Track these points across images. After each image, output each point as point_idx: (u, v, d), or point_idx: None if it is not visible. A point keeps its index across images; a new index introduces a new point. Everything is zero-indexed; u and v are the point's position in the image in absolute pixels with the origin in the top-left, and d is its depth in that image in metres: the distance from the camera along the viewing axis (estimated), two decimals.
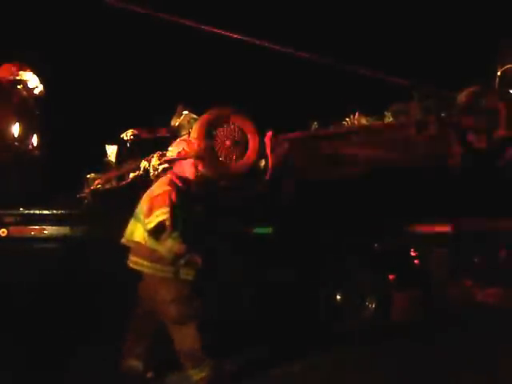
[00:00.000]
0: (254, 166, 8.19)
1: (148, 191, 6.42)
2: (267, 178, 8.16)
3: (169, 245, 6.08)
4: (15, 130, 8.53)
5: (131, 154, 8.73)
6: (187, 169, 6.45)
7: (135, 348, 6.56)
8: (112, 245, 7.34)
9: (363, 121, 8.94)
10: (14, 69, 8.69)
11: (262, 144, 8.18)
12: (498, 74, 22.15)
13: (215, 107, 8.21)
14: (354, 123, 8.91)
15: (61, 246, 7.71)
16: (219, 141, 8.08)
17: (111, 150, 9.01)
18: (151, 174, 8.25)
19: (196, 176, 6.50)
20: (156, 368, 6.69)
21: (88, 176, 8.78)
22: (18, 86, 8.71)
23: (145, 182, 8.26)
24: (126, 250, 6.54)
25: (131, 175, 8.41)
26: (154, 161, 8.29)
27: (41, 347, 7.29)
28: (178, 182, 6.33)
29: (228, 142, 8.09)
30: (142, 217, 6.27)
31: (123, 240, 6.48)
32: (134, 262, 6.41)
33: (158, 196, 6.20)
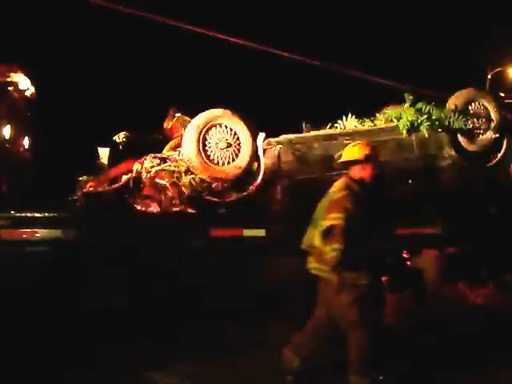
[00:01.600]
0: (247, 168, 8.18)
1: (326, 196, 6.27)
2: (260, 180, 8.17)
3: (327, 250, 5.97)
4: (6, 131, 8.49)
5: (124, 156, 8.72)
6: (363, 172, 6.35)
7: (301, 345, 6.43)
8: (104, 248, 7.43)
9: (355, 123, 8.95)
10: (4, 70, 8.66)
11: (254, 146, 8.18)
12: (489, 77, 22.30)
13: (208, 109, 8.20)
14: (346, 126, 8.91)
15: (53, 248, 7.67)
16: (212, 143, 8.08)
17: (104, 153, 9.01)
18: (144, 177, 8.25)
19: (371, 178, 6.38)
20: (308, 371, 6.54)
21: (80, 178, 8.75)
22: (9, 88, 8.68)
23: (138, 184, 8.29)
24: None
25: (124, 178, 8.39)
26: (147, 163, 8.28)
27: (32, 348, 7.28)
28: (353, 185, 6.25)
29: (220, 145, 8.08)
30: (320, 222, 6.14)
31: (303, 246, 6.39)
32: (315, 267, 6.27)
33: (336, 200, 6.06)
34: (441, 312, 9.07)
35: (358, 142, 6.71)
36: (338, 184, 6.24)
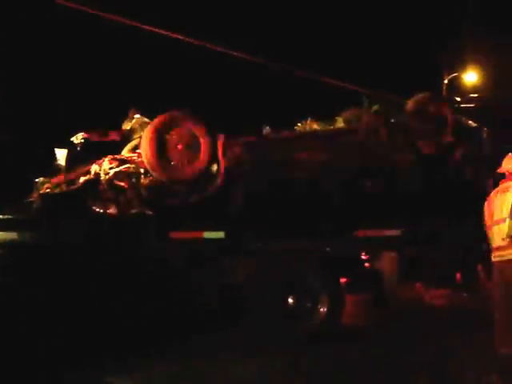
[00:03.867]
0: (207, 169, 8.15)
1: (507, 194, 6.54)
2: (219, 181, 8.15)
3: None
4: None
5: (82, 157, 8.63)
6: None
7: (507, 335, 6.48)
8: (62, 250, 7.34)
9: (315, 126, 9.00)
10: None
11: (214, 148, 8.15)
12: (445, 82, 22.60)
13: (167, 111, 8.15)
14: (306, 128, 8.95)
15: (8, 251, 7.55)
16: (171, 145, 8.02)
17: (61, 154, 8.89)
18: (102, 178, 8.17)
19: None
20: None
21: (37, 180, 8.64)
22: None
23: (95, 186, 8.21)
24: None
25: (81, 179, 8.30)
26: (105, 165, 8.21)
27: None
28: None
29: (180, 146, 8.03)
30: None
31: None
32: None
33: None
34: (398, 312, 9.18)
35: None
36: None
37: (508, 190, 6.56)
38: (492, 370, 6.61)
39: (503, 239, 6.44)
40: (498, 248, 6.54)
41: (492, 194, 6.81)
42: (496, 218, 6.57)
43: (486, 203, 6.80)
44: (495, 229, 6.57)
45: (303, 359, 7.41)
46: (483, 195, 7.48)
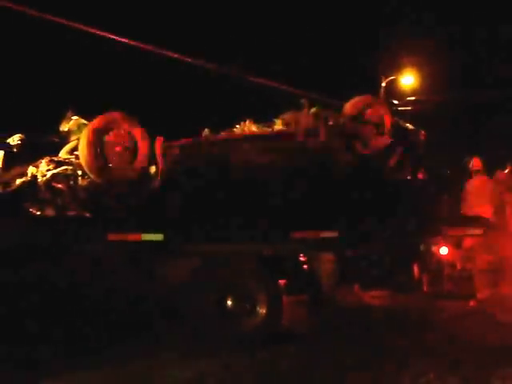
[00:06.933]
0: (144, 171, 8.13)
1: None
2: (158, 183, 8.14)
3: None
4: None
5: (18, 159, 8.53)
6: None
7: None
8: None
9: (253, 128, 9.04)
10: None
11: (152, 150, 8.14)
12: (383, 84, 22.96)
13: (105, 112, 8.11)
14: (245, 130, 8.99)
15: None
16: (109, 146, 7.97)
17: None
18: (39, 180, 8.09)
19: None
20: None
21: None
22: None
23: (32, 188, 8.12)
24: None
25: (18, 181, 8.20)
26: (43, 166, 8.13)
27: None
28: None
29: (118, 148, 7.99)
30: None
31: None
32: None
33: None
34: (336, 314, 9.29)
35: None
36: None
37: None
38: (430, 369, 6.79)
39: None
40: None
41: None
42: None
43: None
44: None
45: (240, 361, 7.45)
46: (419, 195, 7.64)
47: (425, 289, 10.39)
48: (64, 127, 8.97)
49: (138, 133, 8.09)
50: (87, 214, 7.97)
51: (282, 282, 8.74)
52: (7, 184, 8.30)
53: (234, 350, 7.72)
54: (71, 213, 8.00)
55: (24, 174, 8.22)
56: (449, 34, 24.01)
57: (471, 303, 10.46)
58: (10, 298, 7.55)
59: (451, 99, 22.91)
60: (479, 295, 10.69)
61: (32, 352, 7.41)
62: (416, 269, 9.99)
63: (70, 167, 8.16)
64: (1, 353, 7.32)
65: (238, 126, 8.96)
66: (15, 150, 8.77)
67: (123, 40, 9.33)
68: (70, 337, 7.73)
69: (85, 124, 8.50)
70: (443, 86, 23.66)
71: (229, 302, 8.23)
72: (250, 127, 9.01)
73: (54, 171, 8.10)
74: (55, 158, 8.32)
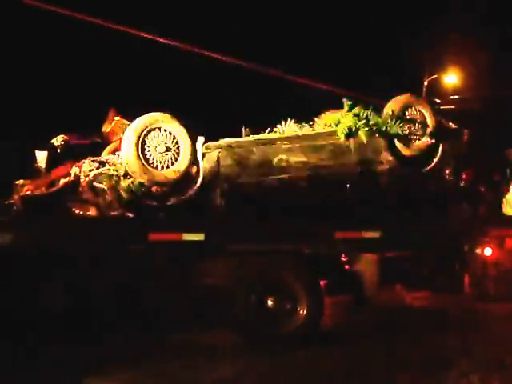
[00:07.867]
0: (186, 172, 8.17)
1: None
2: (199, 184, 8.17)
3: None
4: None
5: (62, 159, 8.63)
6: None
7: None
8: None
9: (294, 128, 9.01)
10: None
11: (193, 150, 8.17)
12: (425, 83, 22.70)
13: (147, 113, 8.16)
14: (285, 130, 8.96)
15: None
16: (151, 147, 8.03)
17: (41, 156, 8.88)
18: (82, 181, 8.18)
19: None
20: None
21: (17, 182, 8.62)
22: None
23: (76, 188, 8.21)
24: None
25: (62, 182, 8.30)
26: (86, 167, 8.22)
27: None
28: None
29: (159, 148, 8.04)
30: None
31: None
32: None
33: None
34: (378, 314, 9.22)
35: None
36: None
37: None
38: (475, 369, 6.72)
39: None
40: None
41: None
42: None
43: None
44: None
45: (281, 362, 7.44)
46: (462, 196, 7.55)
47: (467, 290, 10.25)
48: (106, 128, 9.06)
49: (179, 133, 8.13)
50: (129, 214, 8.03)
51: (323, 282, 8.72)
52: (51, 184, 8.40)
53: (275, 351, 7.72)
54: (113, 213, 8.06)
55: (67, 175, 8.31)
56: (493, 32, 23.63)
57: None
58: (54, 297, 7.64)
59: (497, 97, 22.50)
60: None
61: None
62: (459, 269, 9.89)
63: (113, 167, 8.23)
64: (58, 353, 7.40)
65: (278, 126, 8.93)
66: (59, 150, 8.87)
67: (164, 41, 9.37)
68: (109, 337, 7.80)
69: (127, 124, 8.56)
70: (486, 85, 23.31)
71: (269, 302, 8.23)
72: (290, 127, 8.97)
73: (97, 171, 8.18)
74: (98, 159, 8.41)
